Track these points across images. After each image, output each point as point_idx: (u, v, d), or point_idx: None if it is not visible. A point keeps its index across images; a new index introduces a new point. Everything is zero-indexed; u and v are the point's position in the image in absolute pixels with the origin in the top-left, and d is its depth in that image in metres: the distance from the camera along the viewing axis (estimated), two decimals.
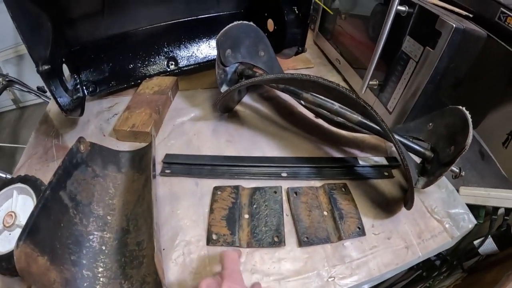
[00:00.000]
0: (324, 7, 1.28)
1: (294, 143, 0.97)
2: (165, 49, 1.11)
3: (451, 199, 0.86)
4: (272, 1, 1.07)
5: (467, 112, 0.74)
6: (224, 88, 0.96)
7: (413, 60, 0.90)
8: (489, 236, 0.94)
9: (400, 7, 0.88)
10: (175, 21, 1.11)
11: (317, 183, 0.87)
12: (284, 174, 0.88)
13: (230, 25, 0.90)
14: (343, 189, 0.84)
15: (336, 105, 0.87)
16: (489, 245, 0.96)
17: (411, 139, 0.86)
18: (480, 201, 0.88)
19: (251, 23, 0.95)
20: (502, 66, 0.97)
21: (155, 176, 0.80)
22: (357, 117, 0.85)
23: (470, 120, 0.72)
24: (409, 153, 0.84)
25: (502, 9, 0.85)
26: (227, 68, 0.96)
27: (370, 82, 1.00)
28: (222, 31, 0.88)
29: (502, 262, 0.95)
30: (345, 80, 1.25)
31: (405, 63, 0.93)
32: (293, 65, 1.23)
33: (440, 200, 0.86)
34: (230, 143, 0.95)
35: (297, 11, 1.03)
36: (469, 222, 0.82)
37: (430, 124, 0.84)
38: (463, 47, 0.83)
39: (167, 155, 0.89)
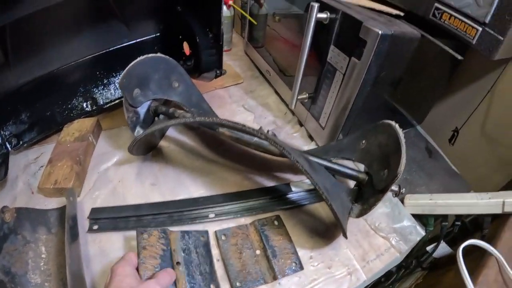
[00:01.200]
0: (249, 17, 1.08)
1: (222, 177, 0.84)
2: (82, 89, 0.93)
3: (395, 212, 0.77)
4: (183, 23, 0.90)
5: (400, 131, 0.62)
6: (138, 131, 0.82)
7: (339, 72, 0.74)
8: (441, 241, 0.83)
9: (320, 15, 0.71)
10: (88, 57, 0.93)
11: (247, 220, 0.75)
12: (211, 215, 0.75)
13: (133, 63, 0.73)
14: (276, 223, 0.73)
15: (255, 138, 0.74)
16: (443, 249, 0.87)
17: (340, 164, 0.74)
18: (427, 211, 0.77)
19: (159, 54, 0.78)
20: (441, 63, 0.84)
21: (77, 237, 0.68)
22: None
23: (403, 140, 0.60)
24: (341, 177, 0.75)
25: (436, 4, 0.69)
26: (138, 109, 0.80)
27: (300, 96, 0.85)
28: (124, 72, 0.72)
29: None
30: (276, 92, 1.09)
31: (332, 75, 0.76)
32: (222, 83, 1.05)
33: (384, 215, 0.76)
34: (154, 186, 0.81)
35: (209, 32, 0.86)
36: (417, 234, 0.74)
37: (363, 142, 0.71)
38: (394, 53, 0.67)
39: (93, 210, 0.75)
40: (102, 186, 0.79)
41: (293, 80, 0.92)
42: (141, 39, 0.99)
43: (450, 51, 0.68)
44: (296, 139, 0.92)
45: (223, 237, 0.70)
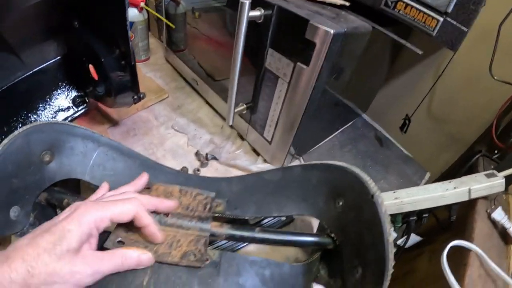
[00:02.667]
0: (166, 21, 0.86)
1: None
2: None
3: None
4: (84, 42, 0.67)
5: (382, 210, 0.39)
6: None
7: (283, 80, 0.59)
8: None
9: (253, 13, 0.54)
10: None
11: None
12: None
13: None
14: None
15: None
16: (412, 239, 0.76)
17: (295, 235, 0.50)
18: (394, 210, 0.66)
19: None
20: (382, 49, 0.72)
21: None
22: None
23: (387, 229, 0.38)
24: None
25: None
26: (26, 228, 0.48)
27: (237, 109, 0.69)
28: None
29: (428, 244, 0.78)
30: (208, 104, 0.90)
31: (273, 83, 0.61)
32: (144, 102, 0.80)
33: None
34: None
35: (117, 51, 0.65)
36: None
37: (341, 202, 0.46)
38: (346, 52, 0.54)
39: None
40: None
41: (224, 86, 0.78)
42: (39, 67, 0.74)
43: (409, 45, 0.55)
44: (240, 157, 0.76)
45: None
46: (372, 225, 0.39)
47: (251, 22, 0.54)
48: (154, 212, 0.45)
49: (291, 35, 0.54)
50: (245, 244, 0.59)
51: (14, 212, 0.45)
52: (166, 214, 0.46)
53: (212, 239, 0.48)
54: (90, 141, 0.55)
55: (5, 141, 0.44)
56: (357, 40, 0.55)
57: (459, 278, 0.52)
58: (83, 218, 0.36)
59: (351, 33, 0.51)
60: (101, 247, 0.40)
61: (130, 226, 0.43)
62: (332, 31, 0.47)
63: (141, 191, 0.50)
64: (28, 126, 0.48)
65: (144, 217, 0.40)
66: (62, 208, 0.53)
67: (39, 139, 0.49)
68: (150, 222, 0.40)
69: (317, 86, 0.55)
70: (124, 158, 0.57)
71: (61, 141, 0.52)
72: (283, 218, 0.63)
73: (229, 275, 0.41)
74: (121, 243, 0.40)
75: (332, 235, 0.47)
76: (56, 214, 0.53)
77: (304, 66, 0.53)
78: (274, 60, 0.58)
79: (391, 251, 0.36)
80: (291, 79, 0.56)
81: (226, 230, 0.46)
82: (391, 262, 0.36)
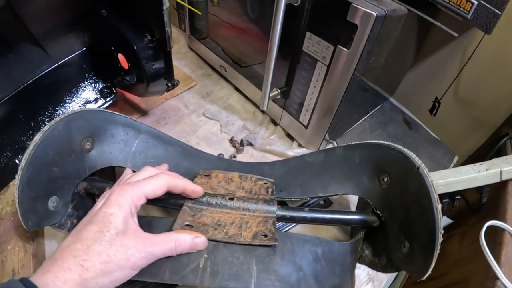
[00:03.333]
0: (192, 8, 0.85)
1: None
2: (7, 142, 0.69)
3: None
4: (113, 31, 0.66)
5: (429, 180, 0.40)
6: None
7: (322, 63, 0.59)
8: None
9: None
10: (1, 100, 0.67)
11: None
12: None
13: (25, 163, 0.42)
14: None
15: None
16: (444, 222, 0.81)
17: (338, 214, 0.50)
18: None
19: (53, 122, 0.46)
20: (415, 33, 0.73)
21: None
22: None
23: (435, 198, 0.39)
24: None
25: None
26: (64, 220, 0.49)
27: (271, 94, 0.68)
28: (19, 187, 0.42)
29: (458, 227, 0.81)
30: (238, 90, 0.89)
31: (311, 67, 0.61)
32: (172, 91, 0.78)
33: None
34: None
35: (149, 37, 0.64)
36: None
37: (385, 179, 0.48)
38: (384, 35, 0.54)
39: None
40: None
41: (252, 72, 0.78)
42: (64, 59, 0.74)
43: (445, 28, 0.56)
44: (275, 143, 0.77)
45: None
46: (420, 196, 0.40)
47: (287, 6, 0.53)
48: (216, 195, 0.47)
49: (331, 17, 0.53)
50: (293, 225, 0.60)
51: (52, 202, 0.46)
52: (232, 198, 0.47)
53: None
54: (131, 128, 0.55)
55: (46, 127, 0.44)
56: (395, 22, 0.55)
57: (495, 257, 0.52)
58: (121, 199, 0.36)
59: (391, 15, 0.51)
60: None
61: (195, 210, 0.44)
62: (375, 14, 0.47)
63: (200, 179, 0.52)
64: (69, 112, 0.48)
65: (177, 183, 0.42)
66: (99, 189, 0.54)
67: (80, 126, 0.49)
68: (185, 183, 0.42)
69: (357, 69, 0.55)
70: (165, 145, 0.58)
71: (102, 128, 0.52)
72: (322, 202, 0.64)
73: (285, 254, 0.41)
74: (189, 227, 0.41)
75: (378, 212, 0.48)
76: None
77: (345, 49, 0.53)
78: (312, 44, 0.58)
79: (440, 219, 0.37)
80: (330, 62, 0.57)
81: (278, 211, 0.47)
82: (441, 231, 0.37)
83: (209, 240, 0.40)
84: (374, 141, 0.50)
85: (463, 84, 0.81)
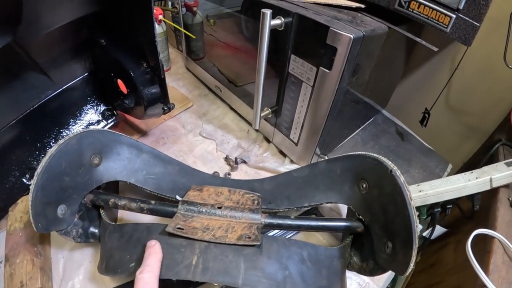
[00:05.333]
0: (187, 32, 0.92)
1: None
2: (14, 162, 0.74)
3: None
4: (112, 59, 0.72)
5: (401, 180, 0.45)
6: (92, 232, 0.60)
7: (307, 84, 0.63)
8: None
9: (274, 21, 0.59)
10: (9, 124, 0.73)
11: None
12: None
13: (40, 171, 0.48)
14: None
15: None
16: (438, 230, 0.83)
17: (325, 221, 0.56)
18: (419, 203, 0.71)
19: (69, 137, 0.53)
20: (401, 48, 0.77)
21: None
22: None
23: (408, 195, 0.43)
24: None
25: None
26: (70, 228, 0.56)
27: (262, 114, 0.74)
28: (32, 195, 0.48)
29: (453, 235, 0.84)
30: (232, 109, 0.94)
31: (297, 87, 0.66)
32: (170, 112, 0.83)
33: None
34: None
35: (145, 65, 0.70)
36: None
37: (364, 185, 0.53)
38: (365, 54, 0.58)
39: None
40: (74, 273, 0.64)
41: (246, 91, 0.83)
42: (68, 84, 0.80)
43: (424, 43, 0.59)
44: (268, 160, 0.81)
45: None
46: (394, 195, 0.45)
47: (273, 30, 0.58)
48: (205, 205, 0.53)
49: (312, 41, 0.58)
50: (292, 233, 0.65)
51: (61, 210, 0.52)
52: (219, 207, 0.53)
53: None
54: (134, 148, 0.62)
55: (61, 141, 0.51)
56: (375, 41, 0.59)
57: (484, 265, 0.56)
58: None
59: (369, 35, 0.55)
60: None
61: (187, 217, 0.50)
62: (352, 36, 0.51)
63: (192, 192, 0.58)
64: (81, 131, 0.55)
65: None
66: (108, 208, 0.60)
67: (91, 143, 0.56)
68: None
69: (340, 88, 0.59)
70: (164, 164, 0.64)
71: (109, 147, 0.59)
72: (313, 216, 0.69)
73: (271, 254, 0.46)
74: (180, 229, 0.46)
75: (360, 217, 0.53)
76: (99, 216, 0.60)
77: (327, 70, 0.57)
78: (297, 65, 0.63)
79: (415, 214, 0.42)
80: (314, 83, 0.61)
81: (264, 219, 0.52)
82: (416, 225, 0.41)
83: (198, 240, 0.45)
84: (353, 153, 0.55)
85: (453, 94, 0.84)
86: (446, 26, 0.58)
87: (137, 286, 0.39)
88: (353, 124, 0.87)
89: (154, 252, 0.44)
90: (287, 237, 0.64)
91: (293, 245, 0.48)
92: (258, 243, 0.45)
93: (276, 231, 0.64)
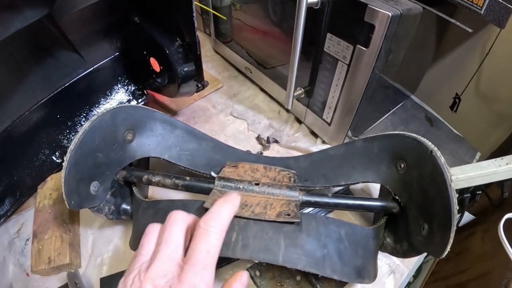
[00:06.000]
0: (217, 14, 0.92)
1: None
2: (45, 140, 0.76)
3: None
4: (146, 37, 0.73)
5: (442, 161, 0.44)
6: (124, 209, 0.62)
7: (342, 63, 0.64)
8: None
9: (311, 0, 0.59)
10: (41, 102, 0.74)
11: None
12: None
13: (73, 148, 0.48)
14: None
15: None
16: (466, 217, 0.85)
17: (360, 200, 0.55)
18: None
19: (100, 115, 0.53)
20: (434, 30, 0.77)
21: None
22: None
23: (449, 176, 0.43)
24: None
25: None
26: (102, 204, 0.56)
27: (295, 93, 0.74)
28: (65, 171, 0.47)
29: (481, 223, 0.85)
30: (263, 90, 0.95)
31: (332, 66, 0.66)
32: (200, 92, 0.84)
33: None
34: None
35: (180, 42, 0.70)
36: None
37: (402, 165, 0.52)
38: (401, 33, 0.58)
39: (102, 281, 0.60)
40: (103, 249, 0.66)
41: (276, 73, 0.84)
42: (99, 64, 0.82)
43: (458, 24, 0.59)
44: (299, 140, 0.82)
45: (257, 273, 0.60)
46: (434, 176, 0.44)
47: (308, 9, 0.58)
48: (242, 181, 0.53)
49: (349, 19, 0.58)
50: (324, 212, 0.66)
51: (94, 186, 0.53)
52: (257, 183, 0.53)
53: None
54: (168, 124, 0.63)
55: (94, 117, 0.51)
56: (410, 20, 0.59)
57: None
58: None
59: (406, 14, 0.55)
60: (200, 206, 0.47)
61: (224, 193, 0.50)
62: (390, 14, 0.52)
63: (228, 168, 0.58)
64: (114, 106, 0.55)
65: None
66: (140, 185, 0.61)
67: (124, 119, 0.56)
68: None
69: (376, 67, 0.59)
70: (198, 141, 0.65)
71: (143, 122, 0.60)
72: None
73: (310, 232, 0.46)
74: None
75: (397, 197, 0.53)
76: (132, 193, 0.61)
77: (364, 48, 0.58)
78: (333, 44, 0.63)
79: (455, 196, 0.41)
80: (350, 61, 0.61)
81: (302, 196, 0.53)
82: (456, 207, 0.41)
83: (237, 217, 0.45)
84: (391, 132, 0.55)
85: (484, 80, 0.84)
86: (480, 8, 0.57)
87: (198, 244, 0.34)
88: (383, 107, 0.87)
89: (231, 201, 0.40)
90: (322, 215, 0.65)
91: (332, 224, 0.48)
92: (298, 220, 0.45)
93: (310, 208, 0.65)
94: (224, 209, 0.38)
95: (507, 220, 0.61)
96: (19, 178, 0.72)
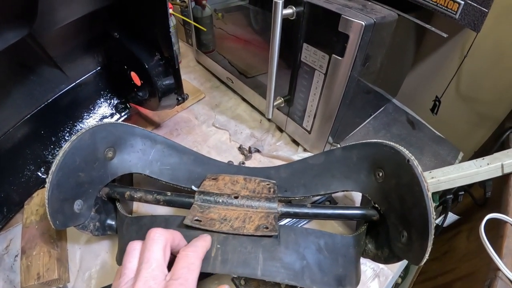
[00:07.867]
0: (197, 25, 0.93)
1: None
2: (29, 156, 0.76)
3: None
4: (126, 51, 0.74)
5: (419, 170, 0.46)
6: (109, 225, 0.62)
7: (319, 72, 0.65)
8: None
9: (286, 11, 0.60)
10: (24, 118, 0.74)
11: None
12: None
13: (55, 168, 0.49)
14: None
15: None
16: (451, 218, 0.84)
17: (340, 209, 0.57)
18: (432, 189, 0.72)
19: (82, 132, 0.54)
20: (410, 36, 0.79)
21: None
22: None
23: (425, 186, 0.44)
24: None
25: None
26: (87, 222, 0.57)
27: (275, 103, 0.76)
28: (48, 192, 0.48)
29: (465, 223, 0.85)
30: (245, 100, 0.97)
31: (310, 75, 0.67)
32: (183, 104, 0.84)
33: None
34: None
35: (159, 56, 0.71)
36: None
37: (380, 173, 0.53)
38: (376, 41, 0.59)
39: None
40: (91, 263, 0.66)
41: (258, 82, 0.84)
42: (81, 78, 0.82)
43: (434, 29, 0.60)
44: (281, 148, 0.83)
45: (242, 282, 0.60)
46: (412, 185, 0.45)
47: (284, 20, 0.60)
48: (222, 195, 0.54)
49: (324, 29, 0.59)
50: (304, 222, 0.66)
51: (77, 205, 0.53)
52: (236, 197, 0.54)
53: None
54: (148, 139, 0.63)
55: (74, 137, 0.52)
56: (385, 28, 0.60)
57: (497, 249, 0.57)
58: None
59: (380, 22, 0.56)
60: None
61: (204, 208, 0.51)
62: (363, 23, 0.53)
63: (208, 182, 0.59)
64: (94, 125, 0.55)
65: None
66: (123, 200, 0.61)
67: (104, 137, 0.57)
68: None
69: (352, 75, 0.60)
70: (179, 154, 0.65)
71: (123, 139, 0.60)
72: (327, 203, 0.70)
73: (289, 244, 0.47)
74: (198, 221, 0.47)
75: (376, 205, 0.54)
76: (115, 208, 0.61)
77: (339, 58, 0.58)
78: (310, 54, 0.64)
79: (432, 206, 0.42)
80: (327, 71, 0.62)
81: (281, 208, 0.53)
82: (433, 216, 0.42)
83: (216, 232, 0.46)
84: (369, 141, 0.56)
85: (464, 81, 0.85)
86: (455, 13, 0.58)
87: (179, 264, 0.38)
88: (364, 112, 0.88)
89: (204, 240, 0.44)
90: (300, 225, 0.66)
91: (310, 235, 0.49)
92: (276, 233, 0.46)
93: (289, 219, 0.65)
94: (198, 243, 0.42)
95: (489, 220, 0.62)
96: (5, 194, 0.72)
